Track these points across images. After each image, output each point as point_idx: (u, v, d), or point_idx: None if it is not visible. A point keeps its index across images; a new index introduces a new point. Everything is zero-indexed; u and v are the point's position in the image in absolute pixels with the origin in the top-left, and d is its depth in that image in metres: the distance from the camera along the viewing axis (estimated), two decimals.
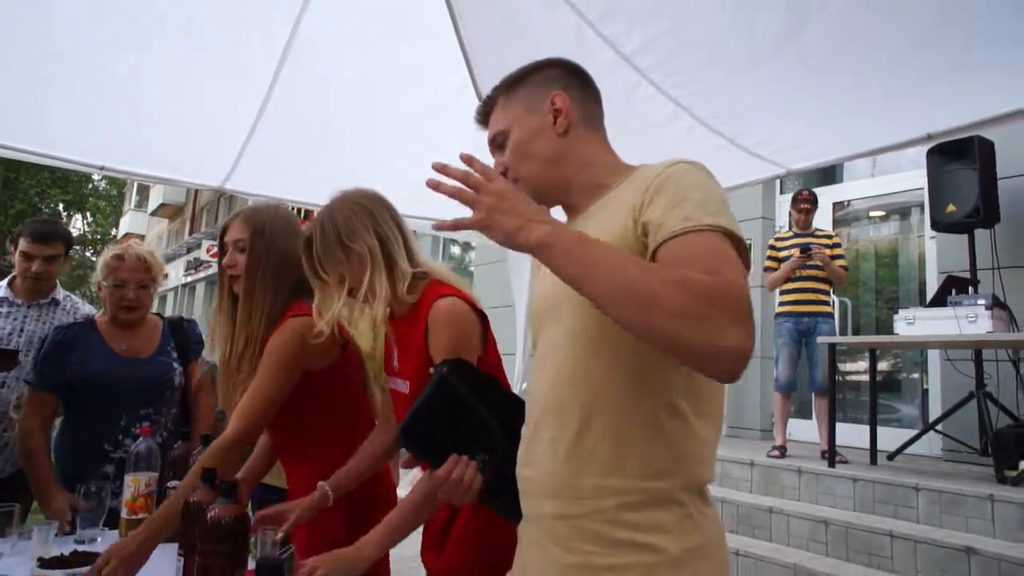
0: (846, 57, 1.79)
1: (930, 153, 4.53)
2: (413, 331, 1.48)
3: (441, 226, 0.95)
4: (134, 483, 1.80)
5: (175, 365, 2.35)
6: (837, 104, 2.05)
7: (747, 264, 0.92)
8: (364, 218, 1.54)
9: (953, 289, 4.10)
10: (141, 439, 1.91)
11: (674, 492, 0.96)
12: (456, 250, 10.42)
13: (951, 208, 4.40)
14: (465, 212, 0.93)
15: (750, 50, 1.87)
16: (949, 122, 1.97)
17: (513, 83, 1.17)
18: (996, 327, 3.67)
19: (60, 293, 2.59)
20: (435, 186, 0.93)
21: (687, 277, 0.82)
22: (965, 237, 4.48)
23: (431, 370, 1.17)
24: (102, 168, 2.82)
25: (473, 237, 4.16)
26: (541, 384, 1.08)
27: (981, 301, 3.75)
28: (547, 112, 1.12)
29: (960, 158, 4.36)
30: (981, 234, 4.46)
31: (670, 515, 0.95)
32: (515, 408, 1.18)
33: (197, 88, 2.49)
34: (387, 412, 1.72)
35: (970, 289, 4.18)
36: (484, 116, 1.21)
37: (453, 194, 0.92)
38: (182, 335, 2.41)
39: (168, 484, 1.87)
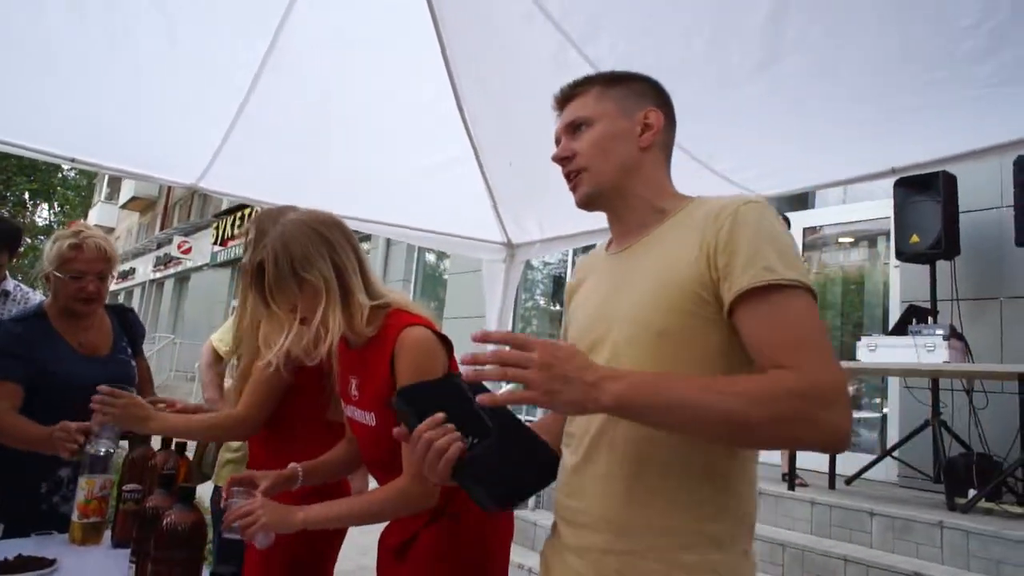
0: (816, 91, 1.85)
1: (897, 184, 4.66)
2: (377, 361, 1.47)
3: (492, 401, 0.89)
4: (88, 485, 1.76)
5: (132, 362, 2.31)
6: (807, 135, 2.11)
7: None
8: (320, 246, 1.47)
9: (914, 318, 4.22)
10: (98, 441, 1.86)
11: (731, 532, 0.97)
12: (431, 258, 10.40)
13: (915, 239, 4.53)
14: None
15: (725, 78, 1.92)
16: (913, 158, 2.04)
17: (612, 80, 1.16)
18: (952, 357, 3.78)
19: (10, 283, 2.53)
20: (475, 376, 0.89)
21: (775, 388, 0.85)
22: (927, 268, 4.60)
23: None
24: (72, 160, 2.76)
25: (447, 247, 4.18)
26: (590, 416, 1.05)
27: (939, 331, 3.86)
28: (637, 122, 1.12)
29: (925, 191, 4.50)
30: (942, 265, 4.59)
31: (725, 557, 0.96)
32: (516, 421, 1.15)
33: (174, 85, 2.47)
34: (349, 435, 1.69)
35: (929, 319, 4.30)
36: (568, 98, 1.18)
37: (498, 377, 0.88)
38: (130, 327, 2.35)
39: (125, 487, 1.83)
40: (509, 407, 1.01)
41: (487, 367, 0.88)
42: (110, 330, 2.27)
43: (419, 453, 1.01)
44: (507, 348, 0.90)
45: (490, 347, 0.93)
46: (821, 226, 6.12)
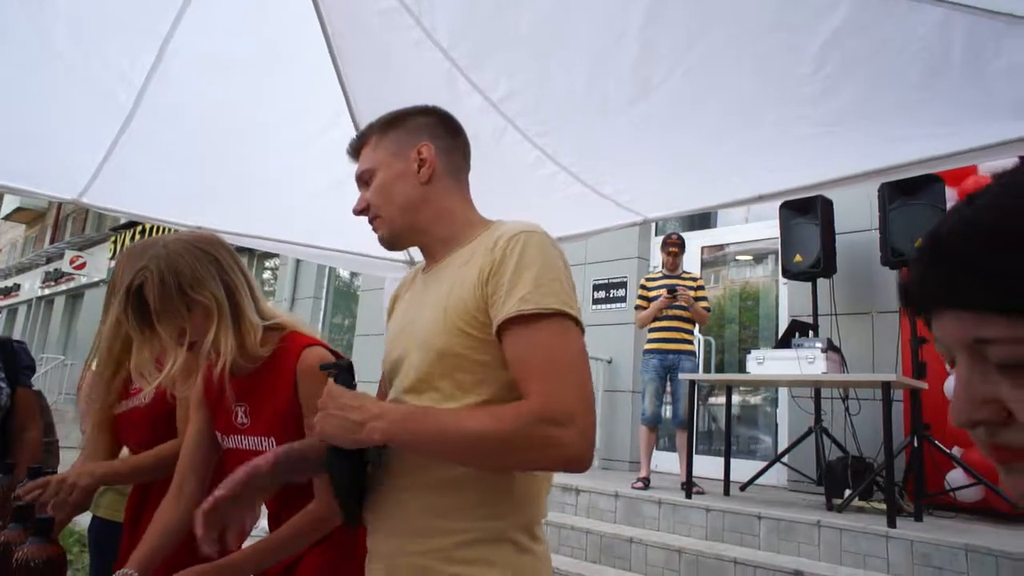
0: (685, 123, 2.00)
1: (782, 207, 5.00)
2: (274, 383, 1.44)
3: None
4: None
5: (2, 385, 2.19)
6: (682, 162, 2.25)
7: (582, 329, 1.03)
8: (209, 266, 1.42)
9: (796, 332, 4.52)
10: None
11: (507, 531, 1.04)
12: (345, 275, 10.22)
13: (798, 258, 4.87)
14: None
15: (603, 107, 2.03)
16: (775, 185, 2.22)
17: (386, 125, 1.22)
18: (830, 368, 4.08)
19: None
20: None
21: (519, 413, 0.95)
22: (810, 285, 4.95)
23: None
24: None
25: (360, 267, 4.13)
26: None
27: (818, 344, 4.15)
28: (413, 160, 1.17)
29: (806, 213, 4.86)
30: (822, 283, 4.95)
31: (500, 551, 1.03)
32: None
33: (51, 97, 2.35)
34: (180, 483, 1.53)
35: (810, 333, 4.62)
36: (356, 151, 1.24)
37: None
38: (10, 356, 2.25)
39: None
40: None
41: None
42: None
43: None
44: None
45: None
46: (724, 244, 6.45)
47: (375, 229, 1.22)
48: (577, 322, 1.02)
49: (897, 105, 1.70)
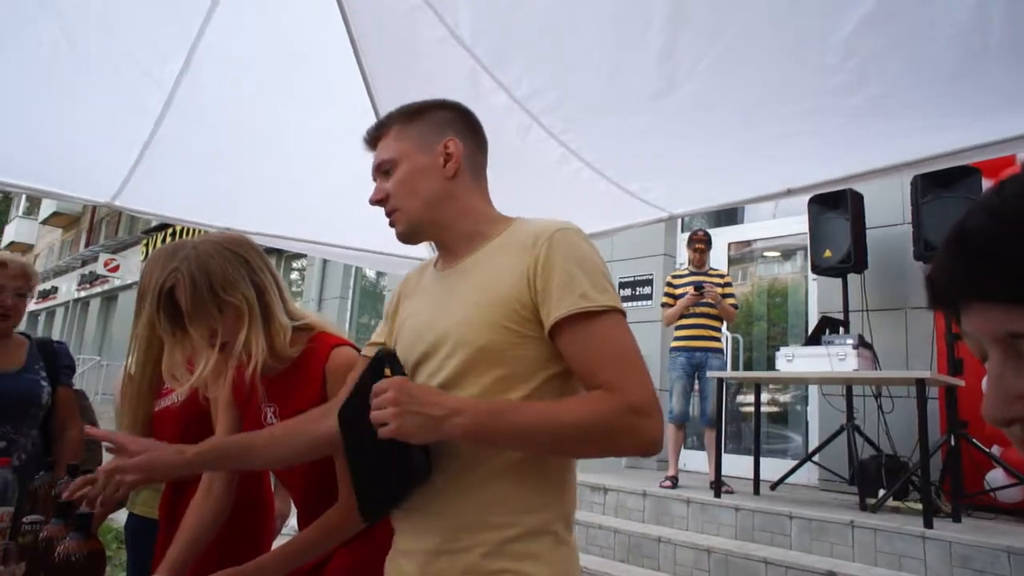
0: (710, 118, 1.97)
1: (811, 202, 4.92)
2: (304, 383, 1.45)
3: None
4: None
5: (43, 383, 2.26)
6: (708, 157, 2.22)
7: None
8: (240, 267, 1.43)
9: (827, 329, 4.44)
10: None
11: (551, 523, 1.05)
12: (371, 274, 10.31)
13: (828, 253, 4.79)
14: None
15: (627, 105, 2.01)
16: (805, 179, 2.18)
17: (410, 115, 1.20)
18: (861, 365, 4.00)
19: None
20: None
21: (601, 407, 0.97)
22: (840, 280, 4.86)
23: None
24: None
25: (385, 266, 4.17)
26: None
27: (849, 341, 4.07)
28: (439, 154, 1.16)
29: (836, 208, 4.77)
30: (853, 278, 4.85)
31: (542, 544, 1.03)
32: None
33: (81, 102, 2.40)
34: (208, 483, 1.55)
35: (841, 329, 4.54)
36: (374, 140, 1.22)
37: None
38: (51, 356, 2.32)
39: (25, 519, 1.75)
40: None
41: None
42: (24, 353, 2.27)
43: None
44: None
45: None
46: (748, 241, 6.37)
47: (393, 222, 1.19)
48: (625, 316, 1.05)
49: (931, 93, 1.65)
